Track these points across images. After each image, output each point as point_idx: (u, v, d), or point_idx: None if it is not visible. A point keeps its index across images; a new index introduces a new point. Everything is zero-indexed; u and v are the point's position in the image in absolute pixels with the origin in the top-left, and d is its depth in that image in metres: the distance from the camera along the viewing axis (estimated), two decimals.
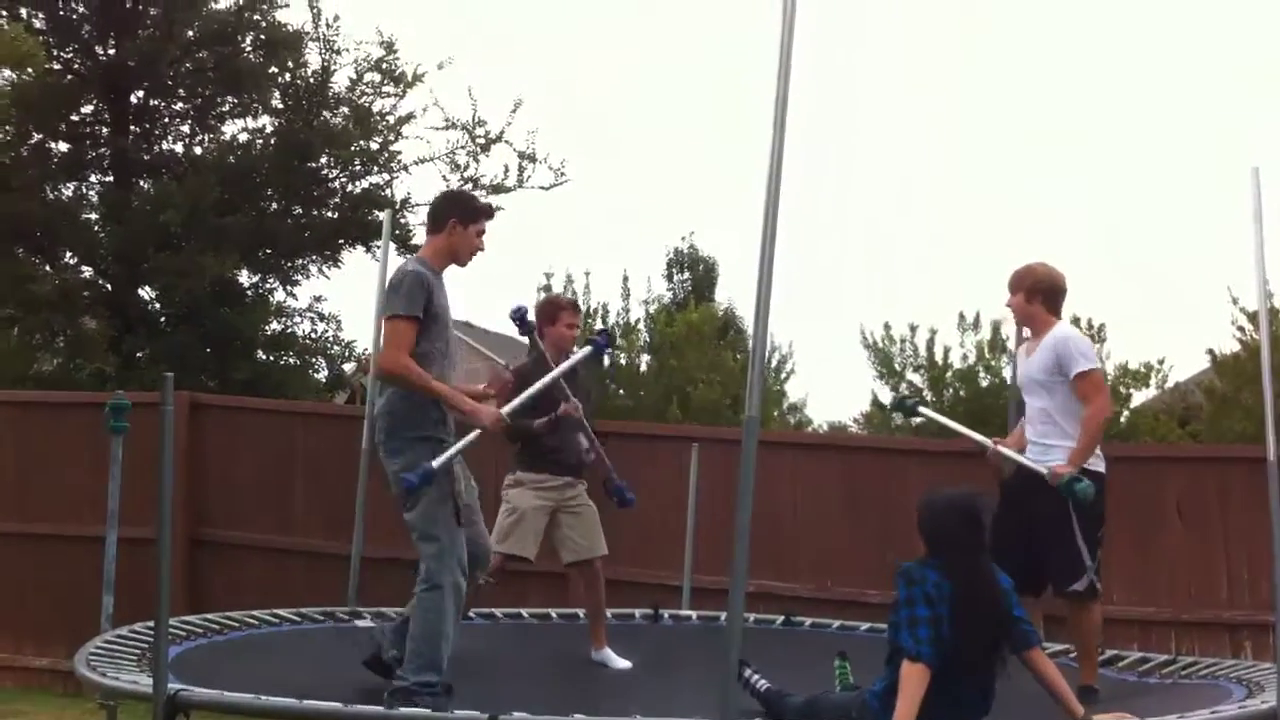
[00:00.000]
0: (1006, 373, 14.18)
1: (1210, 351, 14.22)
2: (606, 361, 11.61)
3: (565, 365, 6.21)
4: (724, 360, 16.92)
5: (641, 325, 17.45)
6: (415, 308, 5.27)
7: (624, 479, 6.84)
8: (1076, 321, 14.16)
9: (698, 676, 5.83)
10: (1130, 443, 12.40)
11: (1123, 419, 14.68)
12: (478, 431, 5.41)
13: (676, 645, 7.42)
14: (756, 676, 5.78)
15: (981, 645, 5.02)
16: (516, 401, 5.81)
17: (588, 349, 6.32)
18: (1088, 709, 5.24)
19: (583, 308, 15.08)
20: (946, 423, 7.01)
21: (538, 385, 5.95)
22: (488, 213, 5.75)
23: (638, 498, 6.84)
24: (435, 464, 5.15)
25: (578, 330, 7.29)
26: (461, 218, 5.56)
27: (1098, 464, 6.14)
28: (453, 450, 5.29)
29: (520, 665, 6.85)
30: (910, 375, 16.71)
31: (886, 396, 17.02)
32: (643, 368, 16.75)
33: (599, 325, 16.23)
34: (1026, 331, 6.70)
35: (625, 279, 17.69)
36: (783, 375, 21.23)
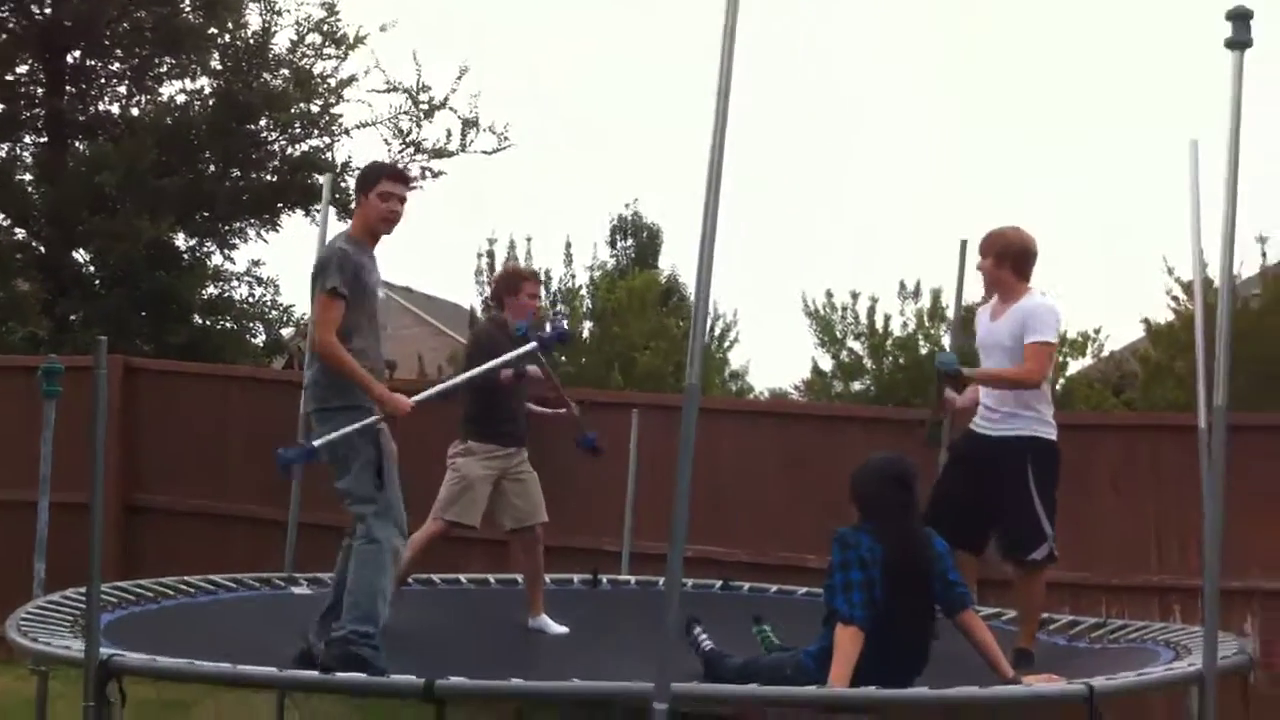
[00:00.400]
0: (945, 340, 14.30)
1: (1145, 321, 14.36)
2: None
3: (497, 361, 6.28)
4: (667, 327, 16.90)
5: (585, 291, 17.42)
6: (340, 284, 5.30)
7: (567, 443, 7.21)
8: None
9: (636, 641, 5.86)
10: (1065, 410, 12.51)
11: (1059, 386, 14.82)
12: (380, 415, 5.43)
13: (615, 610, 7.45)
14: (704, 636, 5.82)
15: (914, 607, 5.09)
16: (432, 391, 5.97)
17: (531, 345, 6.36)
18: (1018, 671, 5.32)
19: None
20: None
21: (460, 378, 6.27)
22: (390, 174, 5.68)
23: (578, 465, 6.96)
24: (316, 443, 5.16)
25: (539, 301, 7.38)
26: (362, 188, 5.57)
27: (1049, 432, 6.19)
28: (347, 429, 5.29)
29: (458, 630, 6.85)
30: (851, 343, 16.79)
31: (827, 364, 17.13)
32: (585, 334, 16.72)
33: (547, 302, 16.19)
34: (983, 297, 6.66)
35: (568, 245, 17.73)
36: (725, 343, 21.28)
